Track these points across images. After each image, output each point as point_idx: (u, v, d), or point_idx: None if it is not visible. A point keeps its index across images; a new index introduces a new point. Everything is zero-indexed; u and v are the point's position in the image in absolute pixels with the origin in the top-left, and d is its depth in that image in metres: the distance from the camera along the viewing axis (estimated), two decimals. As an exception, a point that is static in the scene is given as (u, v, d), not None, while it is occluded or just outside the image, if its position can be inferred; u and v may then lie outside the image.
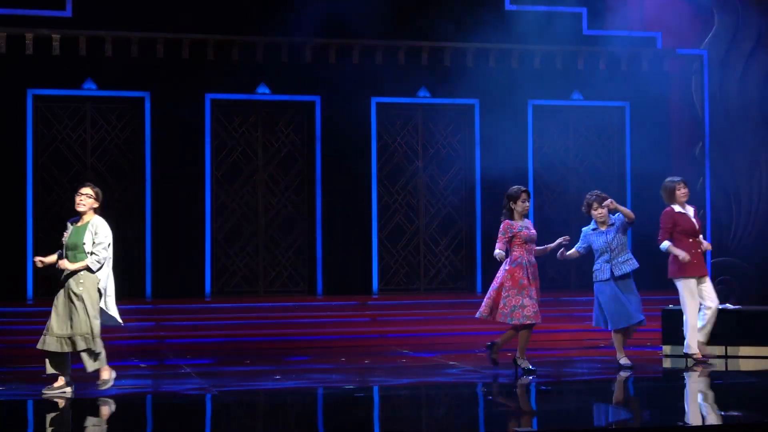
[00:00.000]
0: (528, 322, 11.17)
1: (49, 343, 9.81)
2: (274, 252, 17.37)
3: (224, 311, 15.90)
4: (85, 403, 9.61)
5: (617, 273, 11.52)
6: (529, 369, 11.20)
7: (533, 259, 11.36)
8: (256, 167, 17.41)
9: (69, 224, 10.15)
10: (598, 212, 11.63)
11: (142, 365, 12.59)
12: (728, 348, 12.25)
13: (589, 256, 11.84)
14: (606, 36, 17.89)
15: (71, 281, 9.89)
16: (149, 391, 10.84)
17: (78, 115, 16.86)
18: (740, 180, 17.93)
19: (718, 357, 12.33)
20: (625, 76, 17.95)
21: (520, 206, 11.32)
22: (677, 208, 11.96)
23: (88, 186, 10.20)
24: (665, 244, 11.83)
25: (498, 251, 11.25)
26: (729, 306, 12.61)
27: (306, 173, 17.44)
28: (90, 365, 9.89)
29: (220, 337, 14.91)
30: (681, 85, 18.37)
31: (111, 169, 16.89)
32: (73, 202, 10.15)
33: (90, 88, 16.55)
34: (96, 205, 10.13)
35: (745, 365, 11.74)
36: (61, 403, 9.56)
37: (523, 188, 11.43)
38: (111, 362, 10.12)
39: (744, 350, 12.02)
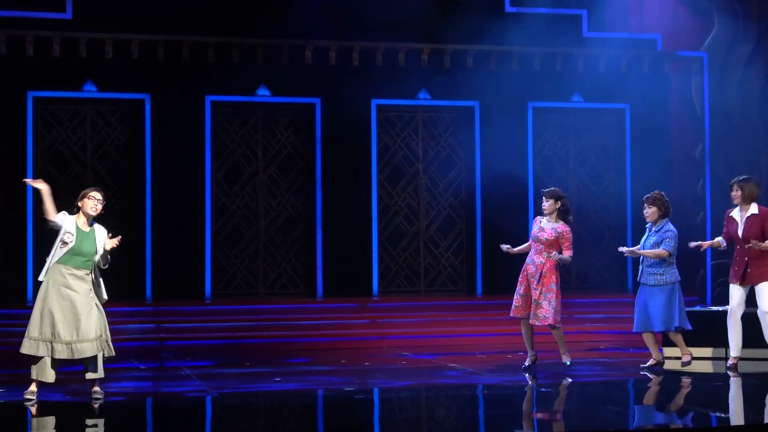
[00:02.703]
0: (511, 315, 11.88)
1: (60, 350, 9.53)
2: (274, 254, 17.38)
3: (224, 313, 15.92)
4: (86, 406, 9.61)
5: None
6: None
7: (538, 258, 11.54)
8: (256, 169, 17.42)
9: (65, 219, 9.75)
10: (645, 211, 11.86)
11: (143, 367, 12.60)
12: (726, 350, 12.23)
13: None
14: (606, 38, 17.90)
15: (89, 286, 9.72)
16: (149, 392, 10.84)
17: (78, 118, 16.88)
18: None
19: (718, 359, 12.34)
20: (625, 78, 17.96)
21: (543, 206, 11.81)
22: (734, 210, 11.66)
23: (100, 191, 9.91)
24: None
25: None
26: (727, 308, 12.58)
27: (306, 175, 17.45)
28: (101, 370, 9.77)
29: (220, 339, 14.93)
30: (681, 87, 18.36)
31: (111, 172, 16.90)
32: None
33: (90, 90, 16.56)
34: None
35: (745, 367, 11.73)
36: (65, 405, 9.58)
37: (545, 190, 11.93)
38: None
39: (744, 352, 11.99)
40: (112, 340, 9.91)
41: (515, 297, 11.75)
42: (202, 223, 16.80)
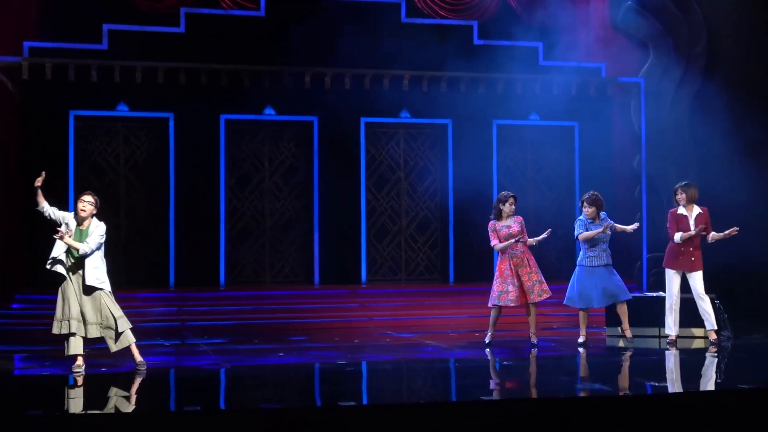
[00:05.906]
0: (511, 304, 11.54)
1: (76, 327, 9.55)
2: (278, 248, 17.37)
3: (236, 298, 15.89)
4: (118, 377, 9.60)
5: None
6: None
7: (518, 250, 11.49)
8: (263, 176, 17.41)
9: (65, 221, 9.60)
10: (586, 210, 11.83)
11: (166, 344, 12.57)
12: (660, 329, 12.28)
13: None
14: (558, 66, 17.94)
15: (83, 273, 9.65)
16: (173, 365, 10.83)
17: (112, 133, 16.85)
18: (671, 187, 17.91)
19: (653, 336, 12.38)
20: (575, 100, 18.00)
21: (507, 208, 11.61)
22: (680, 209, 11.73)
23: (90, 194, 9.75)
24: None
25: (496, 245, 11.58)
26: (661, 294, 12.62)
27: (305, 182, 17.44)
28: (124, 341, 9.81)
29: (232, 321, 14.89)
30: (622, 108, 18.42)
31: (140, 179, 16.88)
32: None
33: (122, 110, 16.53)
34: (95, 212, 9.72)
35: (681, 343, 11.76)
36: (97, 377, 9.56)
37: (511, 194, 11.75)
38: (140, 341, 10.10)
39: (681, 331, 12.01)
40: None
41: (511, 290, 11.46)
42: (217, 222, 16.79)
